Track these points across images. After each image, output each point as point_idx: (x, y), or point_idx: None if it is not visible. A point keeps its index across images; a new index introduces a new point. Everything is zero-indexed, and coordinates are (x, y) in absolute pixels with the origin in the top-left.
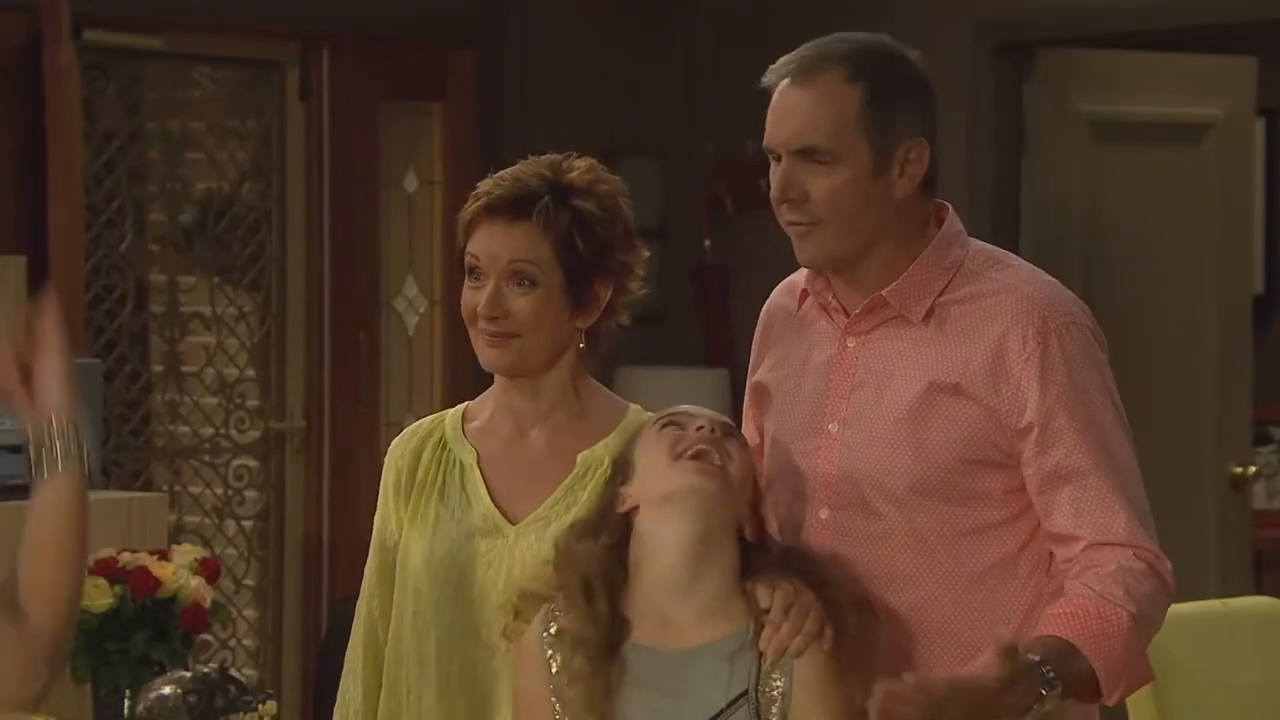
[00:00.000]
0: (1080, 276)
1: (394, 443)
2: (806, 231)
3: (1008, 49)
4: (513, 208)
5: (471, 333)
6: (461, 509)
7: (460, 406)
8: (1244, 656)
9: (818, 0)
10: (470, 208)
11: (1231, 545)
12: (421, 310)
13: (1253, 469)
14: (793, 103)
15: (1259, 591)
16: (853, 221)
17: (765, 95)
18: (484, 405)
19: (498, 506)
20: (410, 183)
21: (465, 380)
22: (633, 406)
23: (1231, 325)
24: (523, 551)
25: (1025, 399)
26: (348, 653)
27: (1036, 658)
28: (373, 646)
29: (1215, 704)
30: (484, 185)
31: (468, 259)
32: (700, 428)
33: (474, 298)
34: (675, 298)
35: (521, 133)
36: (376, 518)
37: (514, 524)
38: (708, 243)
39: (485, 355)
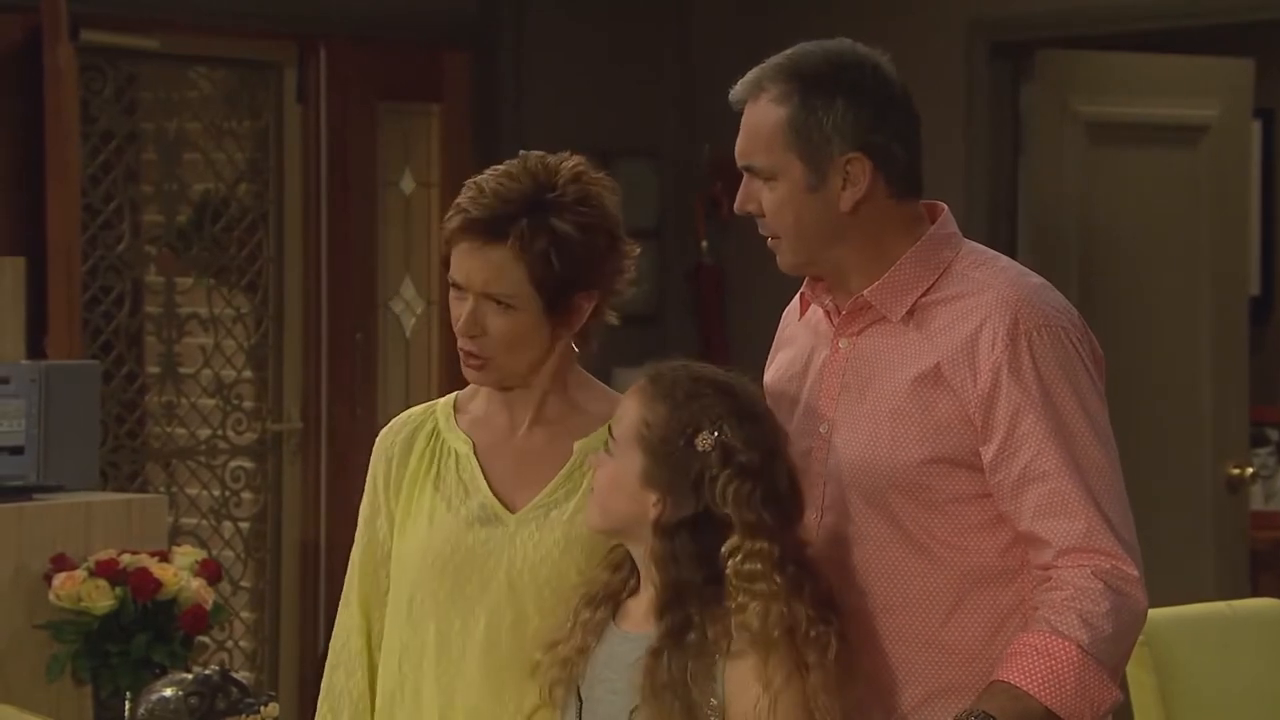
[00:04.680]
0: (1077, 277)
1: (383, 433)
2: (773, 243)
3: (1005, 50)
4: (489, 230)
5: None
6: (459, 498)
7: (450, 396)
8: (1248, 658)
9: (814, 1)
10: (450, 223)
11: (1228, 546)
12: (418, 311)
13: (1249, 470)
14: (742, 121)
15: (1255, 592)
16: (798, 234)
17: None
18: (476, 395)
19: (496, 496)
20: (407, 184)
21: (462, 381)
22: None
23: (1227, 326)
24: (523, 540)
25: (991, 402)
26: (333, 644)
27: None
28: (367, 637)
29: (1220, 705)
30: (465, 197)
31: (450, 272)
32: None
33: (456, 309)
34: (671, 298)
35: (518, 134)
36: (364, 506)
37: (513, 513)
38: (704, 243)
39: (466, 372)
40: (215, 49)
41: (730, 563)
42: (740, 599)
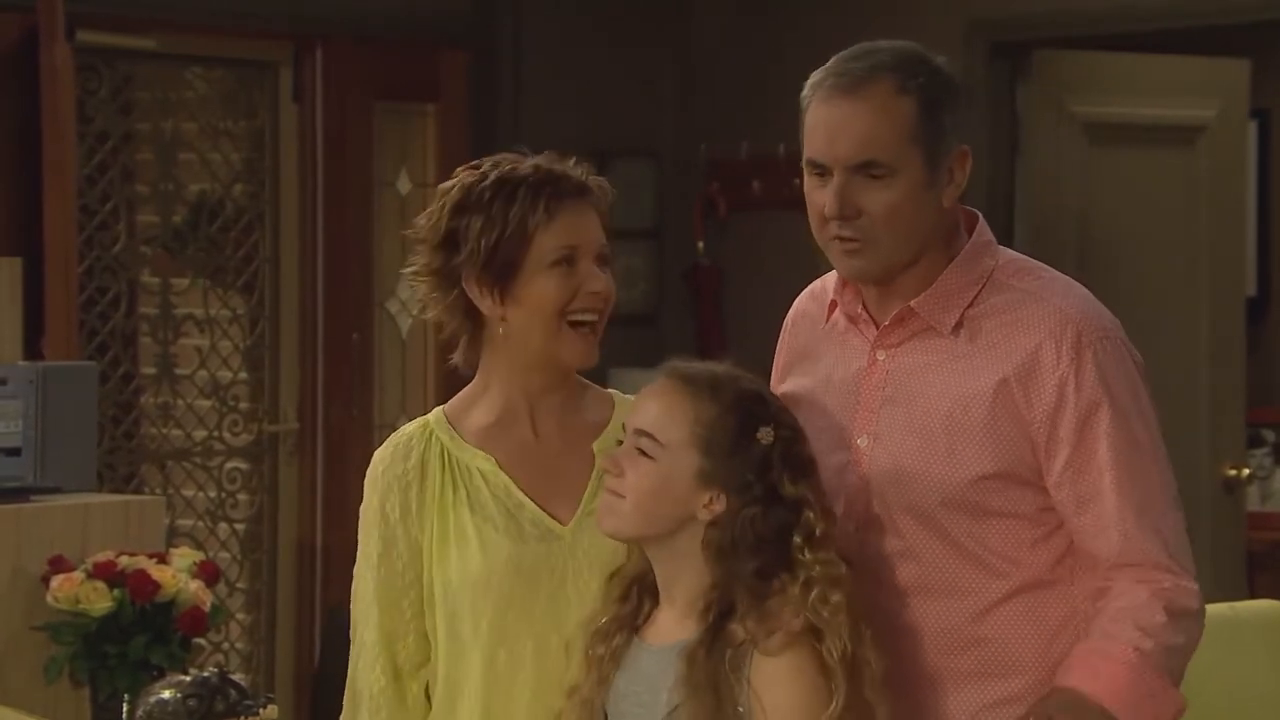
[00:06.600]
0: (1073, 277)
1: (385, 463)
2: (859, 248)
3: (1002, 50)
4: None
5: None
6: (503, 518)
7: (436, 412)
8: (1251, 660)
9: (812, 2)
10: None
11: (1225, 547)
12: (415, 312)
13: (1246, 471)
14: (846, 116)
15: (1252, 592)
16: (907, 235)
17: (760, 97)
18: (473, 406)
19: (542, 509)
20: (403, 184)
21: (458, 382)
22: (614, 393)
23: (1224, 327)
24: (585, 550)
25: (1056, 417)
26: (350, 685)
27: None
28: (394, 676)
29: (1222, 707)
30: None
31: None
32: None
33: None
34: (668, 299)
35: (515, 134)
36: (372, 543)
37: (564, 525)
38: (700, 244)
39: (582, 353)
40: (211, 49)
41: (805, 546)
42: (812, 584)
